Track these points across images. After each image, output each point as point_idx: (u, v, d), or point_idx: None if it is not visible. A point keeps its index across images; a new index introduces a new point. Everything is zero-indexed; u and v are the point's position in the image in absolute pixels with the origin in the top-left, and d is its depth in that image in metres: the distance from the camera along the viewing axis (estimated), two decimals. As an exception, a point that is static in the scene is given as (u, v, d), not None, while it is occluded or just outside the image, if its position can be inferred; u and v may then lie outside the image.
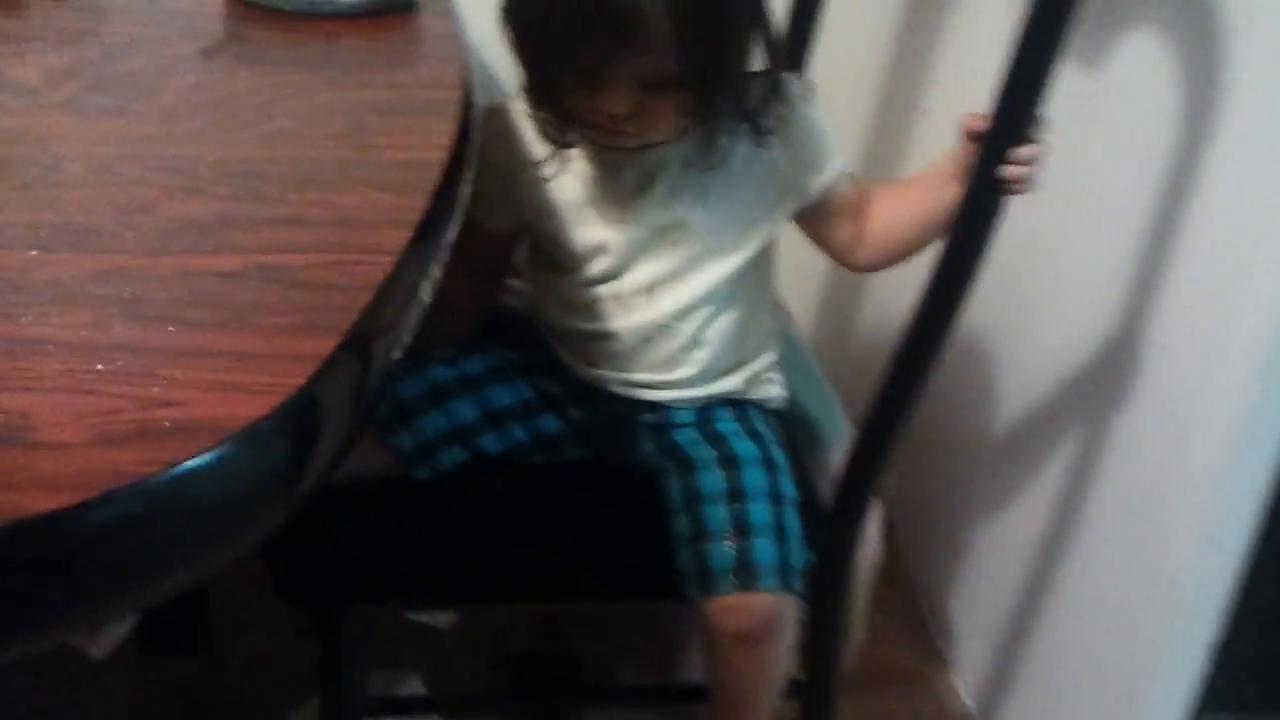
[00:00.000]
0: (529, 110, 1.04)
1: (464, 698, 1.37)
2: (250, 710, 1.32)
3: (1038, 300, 1.37)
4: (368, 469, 1.07)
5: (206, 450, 0.49)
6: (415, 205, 0.71)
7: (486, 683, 1.41)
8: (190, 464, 0.49)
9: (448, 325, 1.17)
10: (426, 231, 0.70)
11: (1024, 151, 0.96)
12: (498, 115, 1.08)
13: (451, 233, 0.77)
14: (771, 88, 1.03)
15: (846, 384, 1.34)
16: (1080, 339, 1.28)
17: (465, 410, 1.10)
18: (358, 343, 0.61)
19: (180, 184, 0.73)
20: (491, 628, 1.48)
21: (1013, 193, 0.99)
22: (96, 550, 0.48)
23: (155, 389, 0.53)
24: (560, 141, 1.03)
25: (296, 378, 0.55)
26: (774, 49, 1.03)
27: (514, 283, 1.23)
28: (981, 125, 0.98)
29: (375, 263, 0.65)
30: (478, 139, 0.92)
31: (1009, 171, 0.97)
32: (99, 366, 0.54)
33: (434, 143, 0.80)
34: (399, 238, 0.68)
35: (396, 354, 0.67)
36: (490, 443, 1.11)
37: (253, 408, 0.53)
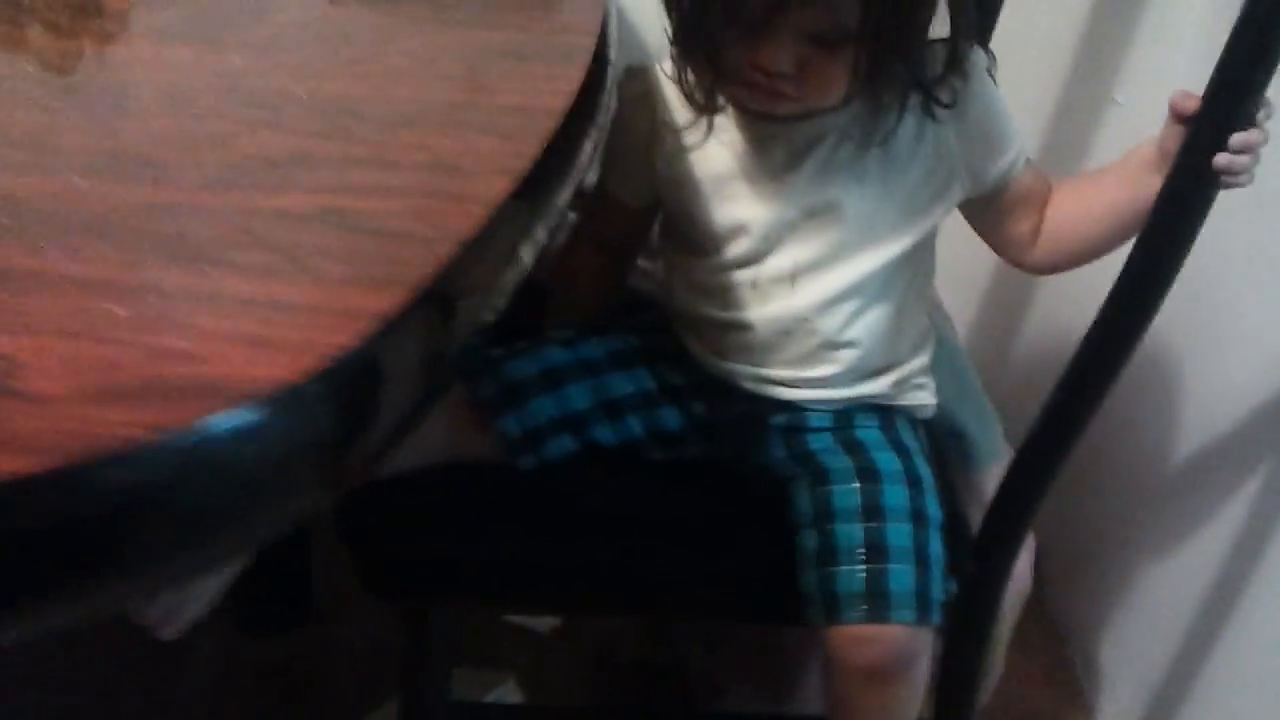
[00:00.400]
0: (674, 71, 0.94)
1: (559, 710, 1.27)
2: (337, 700, 1.25)
3: (1230, 313, 1.21)
4: (466, 453, 0.98)
5: (218, 413, 0.40)
6: (523, 152, 0.61)
7: (585, 694, 1.31)
8: (199, 428, 0.40)
9: (568, 303, 1.08)
10: (532, 184, 0.60)
11: (1243, 137, 0.82)
12: (639, 77, 0.99)
13: (565, 192, 0.67)
14: (952, 57, 0.90)
15: (1006, 397, 1.21)
16: (1277, 360, 1.12)
17: (579, 397, 1.00)
18: (433, 301, 0.51)
19: (261, 118, 0.64)
20: (595, 631, 1.38)
21: (1226, 186, 0.85)
22: (84, 522, 0.40)
23: (171, 339, 0.44)
24: (707, 106, 0.93)
25: (347, 336, 0.46)
26: (961, 11, 0.89)
27: (644, 263, 1.13)
28: (1194, 105, 0.84)
29: (466, 212, 0.55)
30: (610, 99, 0.81)
31: (1224, 160, 0.83)
32: (112, 308, 0.45)
33: (558, 88, 0.69)
34: (498, 187, 0.58)
35: (486, 317, 0.57)
36: (604, 434, 1.01)
37: (285, 368, 0.44)
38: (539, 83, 0.72)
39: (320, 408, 0.46)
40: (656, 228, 1.07)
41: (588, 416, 1.00)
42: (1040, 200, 0.99)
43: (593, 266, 1.07)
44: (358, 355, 0.46)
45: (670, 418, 1.02)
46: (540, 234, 0.63)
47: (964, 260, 1.13)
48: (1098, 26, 1.44)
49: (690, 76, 0.92)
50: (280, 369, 0.43)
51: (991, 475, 1.09)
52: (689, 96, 0.93)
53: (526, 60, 0.76)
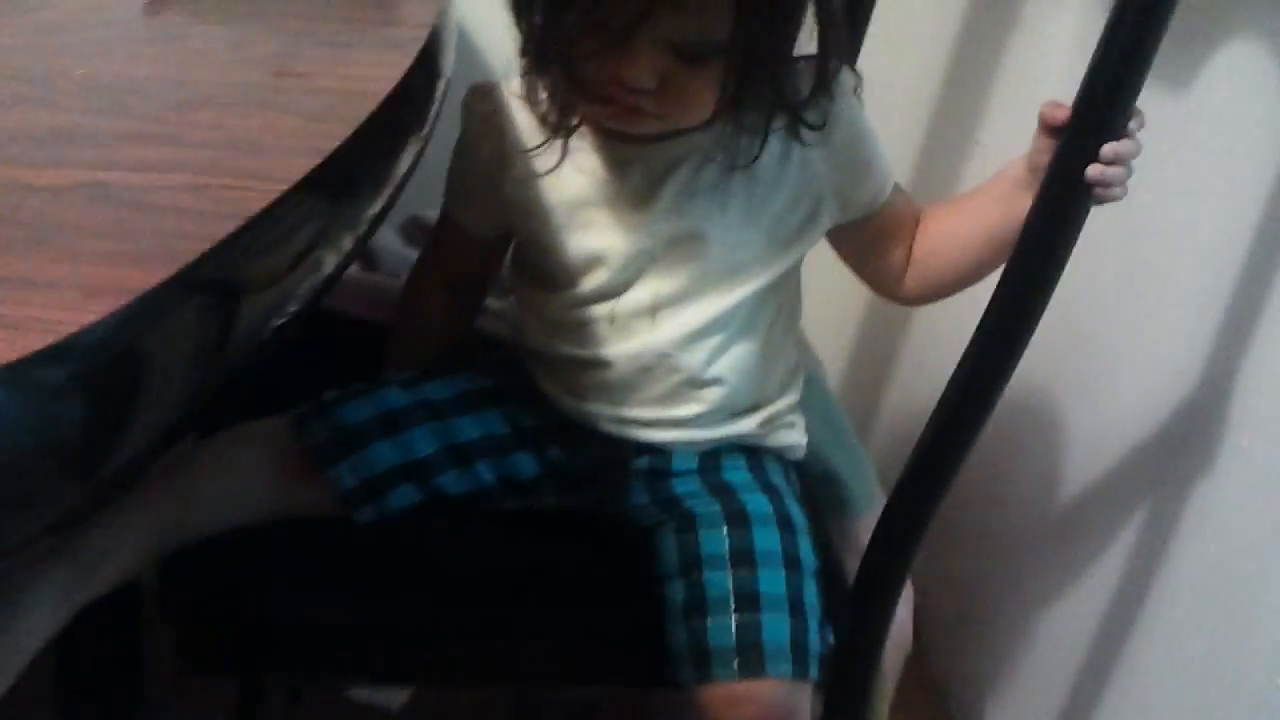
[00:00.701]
0: (523, 88, 0.87)
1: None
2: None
3: (1108, 356, 1.18)
4: (296, 508, 0.88)
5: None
6: (332, 134, 0.53)
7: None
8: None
9: (411, 344, 1.00)
10: (337, 172, 0.52)
11: (1115, 147, 0.79)
12: (484, 96, 0.91)
13: (377, 202, 0.59)
14: (820, 76, 0.83)
15: (879, 442, 1.15)
16: (1157, 403, 1.09)
17: (423, 442, 0.91)
18: (206, 284, 0.42)
19: (31, 94, 0.55)
20: (453, 707, 1.27)
21: (1099, 200, 0.82)
22: None
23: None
24: (560, 126, 0.85)
25: (92, 314, 0.37)
26: (831, 27, 0.82)
27: (493, 303, 1.05)
28: (1064, 115, 0.80)
29: (255, 189, 0.47)
30: (438, 108, 0.74)
31: (1096, 172, 0.79)
32: None
33: (379, 74, 0.62)
34: (298, 166, 0.50)
35: (275, 323, 0.48)
36: (451, 482, 0.92)
37: (13, 346, 0.35)
38: (358, 69, 0.65)
39: (59, 391, 0.37)
40: (507, 261, 0.99)
41: (432, 463, 0.91)
42: (911, 227, 0.94)
43: (439, 303, 0.99)
44: (104, 335, 0.38)
45: (524, 463, 0.94)
46: (347, 243, 0.55)
47: (833, 299, 1.08)
48: (961, 70, 1.43)
49: (541, 94, 0.85)
50: (7, 347, 0.35)
51: (866, 523, 1.03)
52: (540, 116, 0.86)
53: (347, 48, 0.68)
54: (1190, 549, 1.03)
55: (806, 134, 0.85)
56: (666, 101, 0.79)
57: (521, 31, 0.82)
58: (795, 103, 0.83)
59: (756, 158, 0.85)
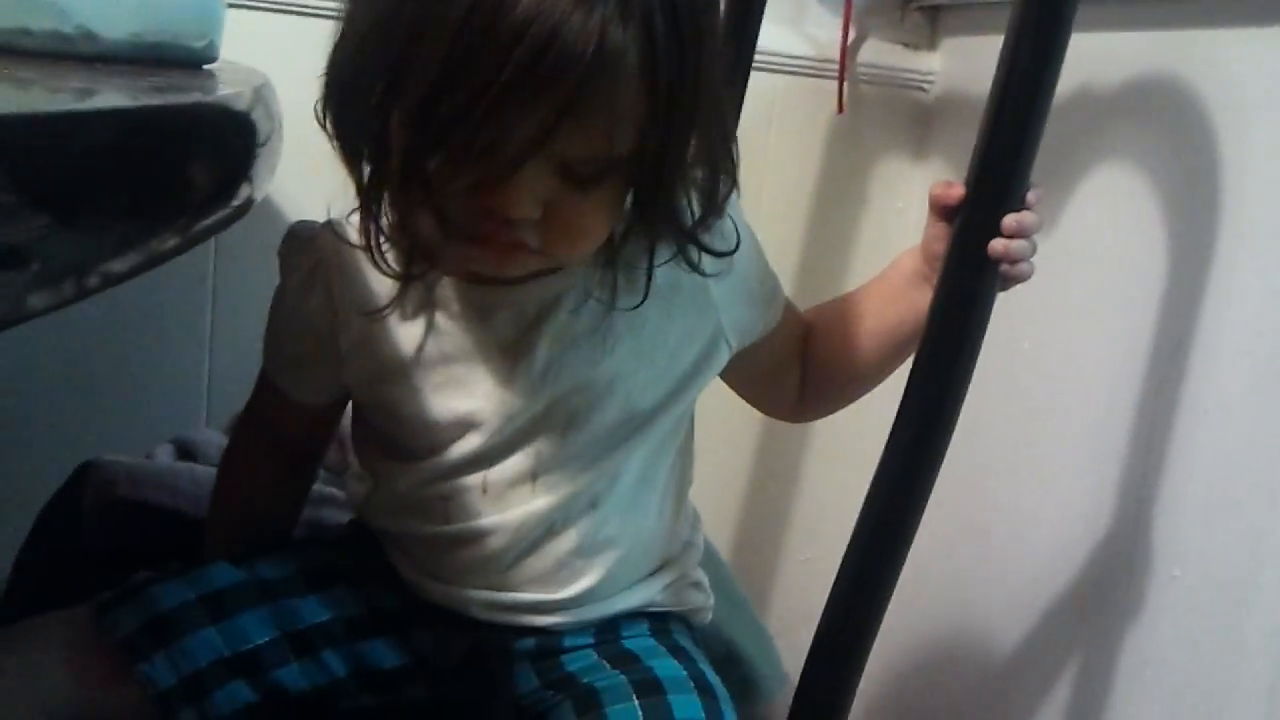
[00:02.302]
0: (361, 235, 0.70)
1: None
2: None
3: (1017, 513, 1.11)
4: (98, 713, 0.70)
5: None
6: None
7: None
8: None
9: (234, 526, 0.84)
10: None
11: (1018, 218, 0.74)
12: (306, 244, 0.77)
13: (121, 262, 0.46)
14: (712, 194, 0.71)
15: (779, 619, 1.03)
16: (1075, 550, 1.02)
17: (256, 628, 0.74)
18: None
19: None
20: None
21: (1006, 281, 0.76)
22: None
23: None
24: (408, 272, 0.72)
25: None
26: (723, 138, 0.71)
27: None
28: (959, 193, 0.76)
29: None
30: (251, 191, 0.61)
31: (1000, 246, 0.74)
32: None
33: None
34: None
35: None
36: (292, 677, 0.75)
37: None
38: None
39: None
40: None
41: (269, 654, 0.74)
42: (802, 341, 0.85)
43: (265, 476, 0.84)
44: None
45: (382, 652, 0.78)
46: (36, 301, 0.41)
47: (710, 454, 0.96)
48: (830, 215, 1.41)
49: (381, 240, 0.70)
50: None
51: (778, 709, 0.90)
52: (380, 261, 0.71)
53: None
54: (1133, 691, 0.94)
55: (699, 264, 0.73)
56: (552, 233, 0.65)
57: (360, 165, 0.68)
58: (687, 227, 0.71)
59: (646, 294, 0.72)
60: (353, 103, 0.65)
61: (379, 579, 0.80)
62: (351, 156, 0.68)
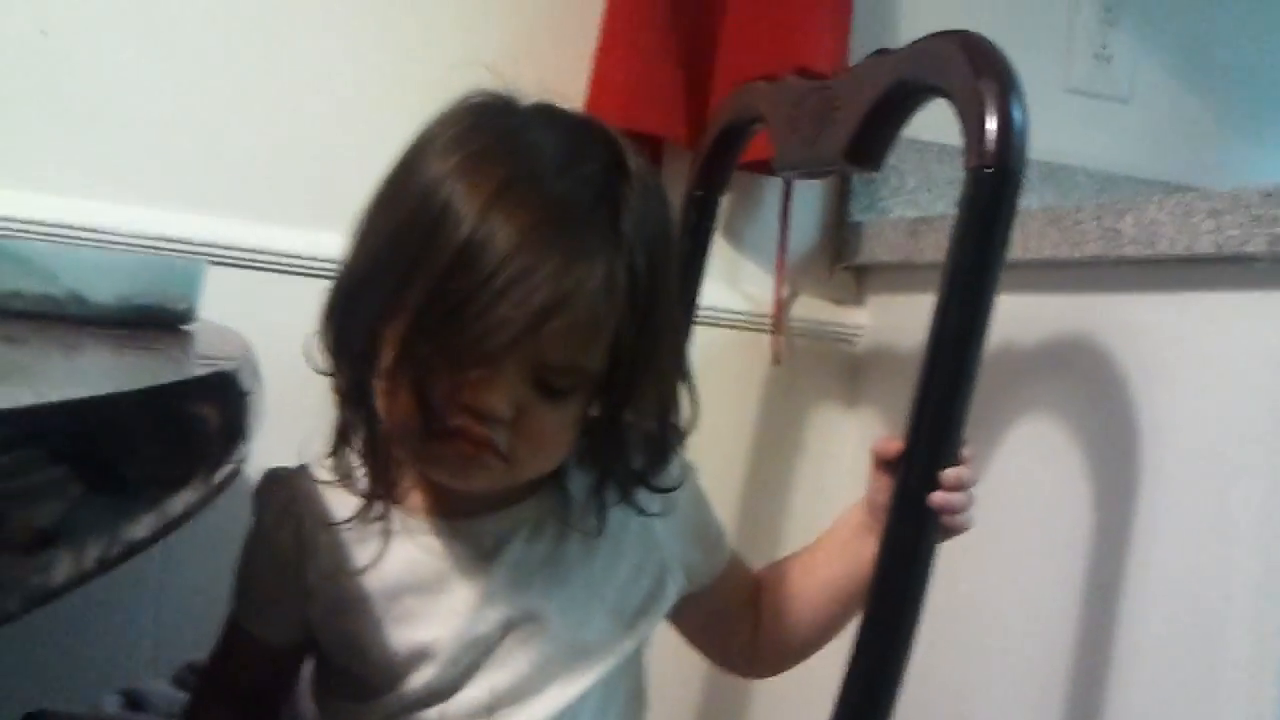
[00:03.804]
0: (332, 461, 0.77)
1: None
2: None
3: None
4: None
5: None
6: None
7: None
8: None
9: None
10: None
11: (955, 472, 0.79)
12: (282, 484, 0.81)
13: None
14: (664, 439, 0.78)
15: None
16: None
17: None
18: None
19: None
20: None
21: (947, 532, 0.80)
22: None
23: None
24: (380, 485, 0.76)
25: None
26: (682, 380, 0.79)
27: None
28: (897, 446, 0.81)
29: None
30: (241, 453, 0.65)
31: (940, 498, 0.79)
32: None
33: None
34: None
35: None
36: None
37: None
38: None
39: None
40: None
41: None
42: (752, 593, 0.89)
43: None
44: None
45: None
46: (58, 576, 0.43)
47: (668, 682, 0.97)
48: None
49: (355, 457, 0.77)
50: None
51: None
52: (354, 488, 0.77)
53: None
54: None
55: (646, 502, 0.79)
56: (519, 438, 0.71)
57: (351, 373, 0.74)
58: (636, 469, 0.77)
59: (601, 530, 0.78)
60: (357, 309, 0.73)
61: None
62: (343, 364, 0.75)
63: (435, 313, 0.67)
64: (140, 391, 0.51)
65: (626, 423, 0.75)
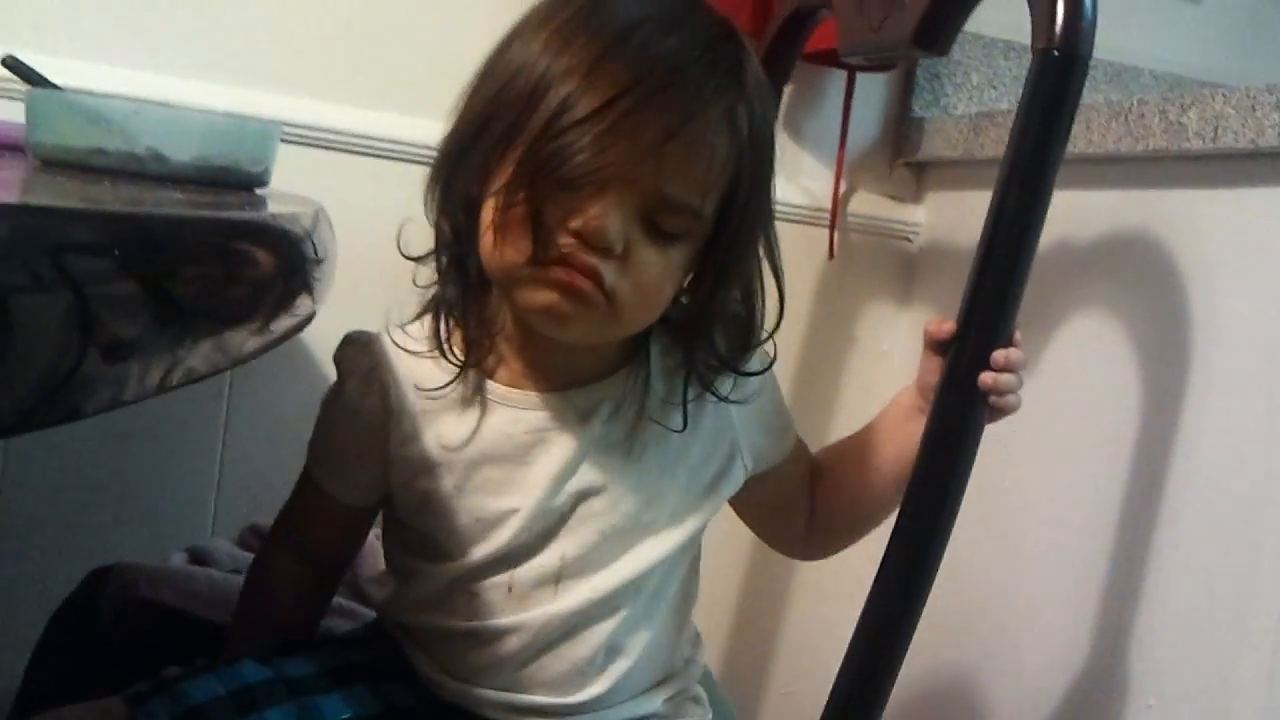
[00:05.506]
0: (438, 294, 0.79)
1: None
2: None
3: (997, 636, 1.15)
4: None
5: None
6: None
7: None
8: None
9: (261, 626, 0.87)
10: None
11: (1005, 353, 0.80)
12: (364, 349, 0.82)
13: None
14: (751, 326, 0.79)
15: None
16: (1058, 674, 1.05)
17: (281, 723, 0.77)
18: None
19: None
20: None
21: (994, 413, 0.82)
22: None
23: None
24: (478, 341, 0.78)
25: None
26: (774, 271, 0.80)
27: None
28: (950, 328, 0.82)
29: None
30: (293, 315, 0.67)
31: (989, 379, 0.80)
32: None
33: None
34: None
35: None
36: (315, 770, 0.77)
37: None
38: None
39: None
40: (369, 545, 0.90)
41: (294, 747, 0.77)
42: (810, 476, 0.90)
43: (293, 579, 0.87)
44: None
45: (400, 748, 0.81)
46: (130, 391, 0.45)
47: (710, 591, 1.00)
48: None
49: (444, 328, 0.78)
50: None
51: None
52: (445, 349, 0.78)
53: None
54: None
55: (724, 388, 0.81)
56: (624, 279, 0.72)
57: (453, 225, 0.76)
58: (720, 352, 0.79)
59: (684, 426, 0.80)
60: (472, 149, 0.74)
61: (397, 678, 0.83)
62: (449, 215, 0.76)
63: (554, 134, 0.68)
64: (207, 220, 0.53)
65: (718, 300, 0.77)
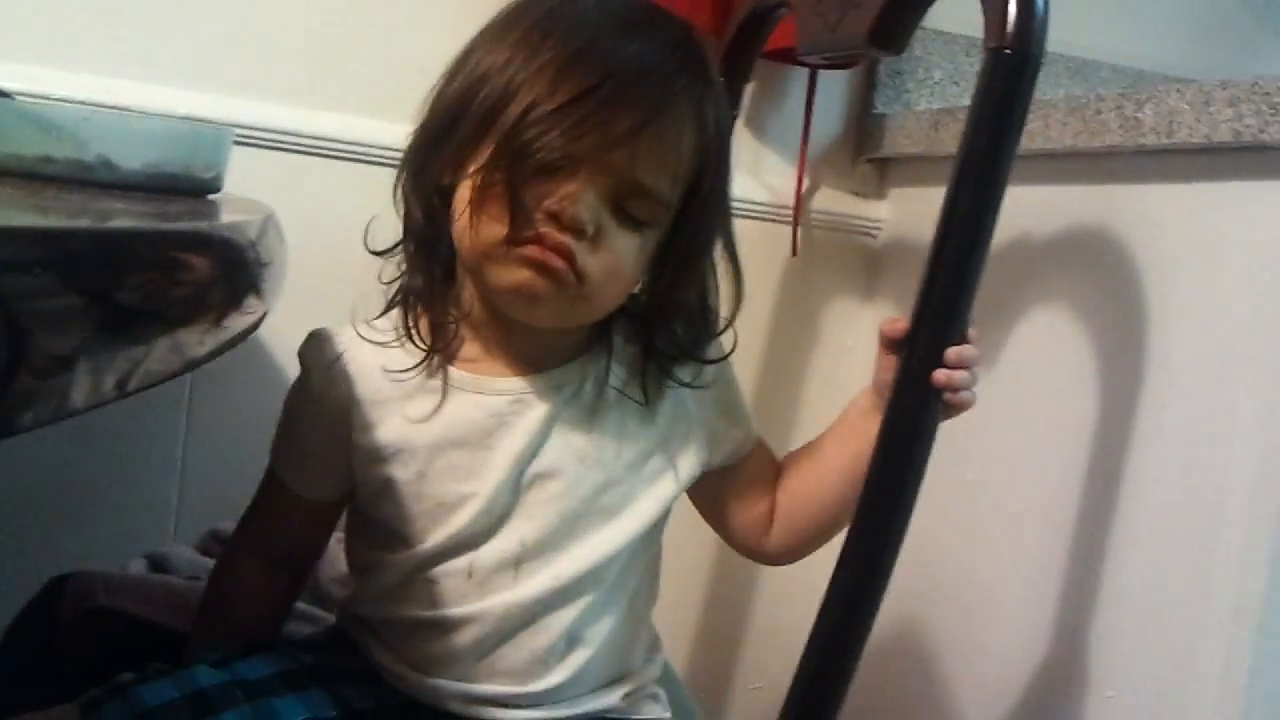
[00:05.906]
0: (410, 275, 0.82)
1: None
2: None
3: (958, 629, 1.15)
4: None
5: None
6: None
7: None
8: None
9: (220, 630, 0.87)
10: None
11: (959, 350, 0.80)
12: (326, 343, 0.84)
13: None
14: (704, 312, 0.84)
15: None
16: (1013, 672, 1.05)
17: (238, 728, 0.77)
18: None
19: None
20: None
21: (949, 408, 0.82)
22: None
23: None
24: (439, 338, 0.80)
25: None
26: (733, 259, 0.85)
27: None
28: (904, 326, 0.82)
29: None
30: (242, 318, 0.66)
31: (944, 376, 0.80)
32: None
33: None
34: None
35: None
36: (270, 774, 0.77)
37: None
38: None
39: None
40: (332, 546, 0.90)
41: (249, 752, 0.77)
42: (773, 479, 0.91)
43: (257, 582, 0.88)
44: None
45: (355, 752, 0.81)
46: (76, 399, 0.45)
47: (675, 590, 1.01)
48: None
49: (410, 317, 0.81)
50: None
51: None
52: (411, 334, 0.80)
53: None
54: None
55: (682, 374, 0.84)
56: (595, 256, 0.75)
57: (425, 211, 0.79)
58: (678, 339, 0.83)
59: (647, 400, 0.83)
60: (448, 137, 0.77)
61: (356, 680, 0.83)
62: (420, 201, 0.80)
63: (530, 123, 0.72)
64: (157, 232, 0.53)
65: (680, 289, 0.81)
